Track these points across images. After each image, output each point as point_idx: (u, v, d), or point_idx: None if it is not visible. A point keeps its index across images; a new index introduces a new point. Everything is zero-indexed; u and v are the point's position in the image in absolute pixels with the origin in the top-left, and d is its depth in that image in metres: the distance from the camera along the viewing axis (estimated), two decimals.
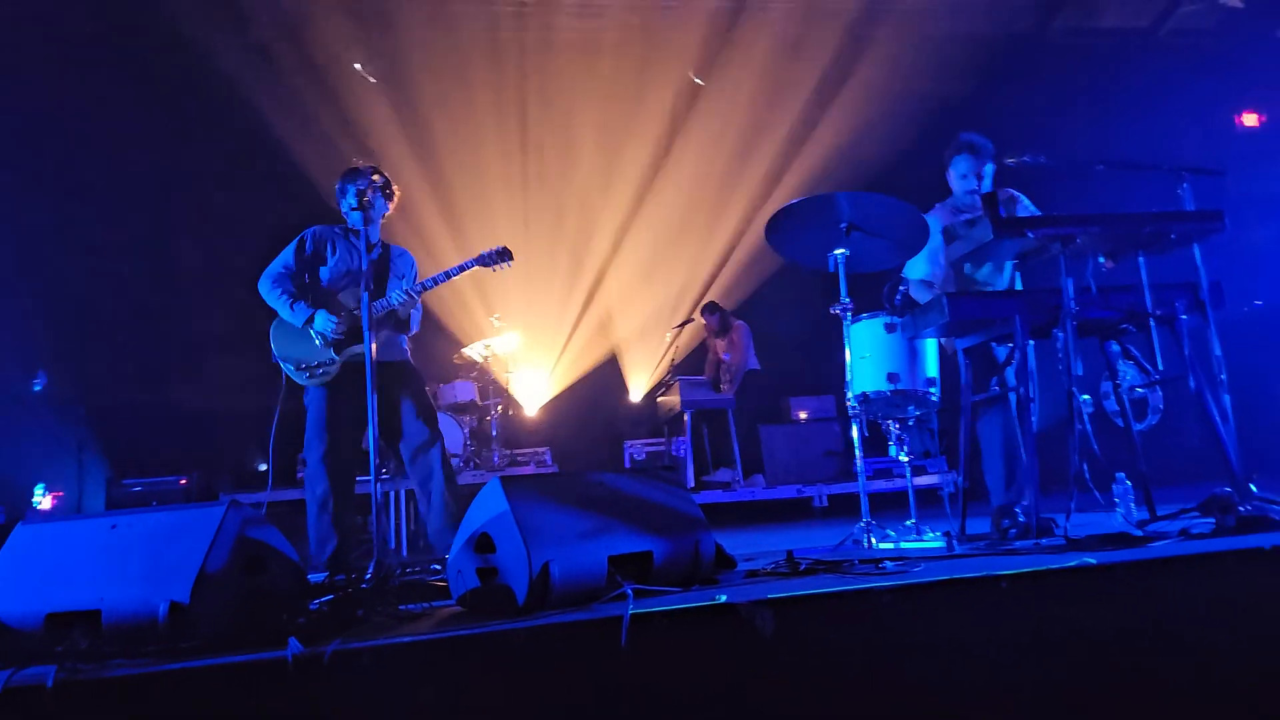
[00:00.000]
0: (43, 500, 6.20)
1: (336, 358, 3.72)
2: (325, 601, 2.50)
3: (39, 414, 6.61)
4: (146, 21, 6.68)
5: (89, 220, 6.93)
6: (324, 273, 3.87)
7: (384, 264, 3.95)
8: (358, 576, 2.70)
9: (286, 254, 3.89)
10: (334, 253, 3.88)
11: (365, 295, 3.22)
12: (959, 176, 3.87)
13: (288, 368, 3.79)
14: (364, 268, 3.55)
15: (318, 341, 3.75)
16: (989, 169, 3.84)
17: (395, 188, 3.94)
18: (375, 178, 3.76)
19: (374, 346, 3.56)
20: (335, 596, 2.52)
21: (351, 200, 3.80)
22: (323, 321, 3.71)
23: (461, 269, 3.83)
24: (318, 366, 3.74)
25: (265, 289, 3.83)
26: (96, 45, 6.77)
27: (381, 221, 3.90)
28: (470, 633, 2.01)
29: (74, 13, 6.58)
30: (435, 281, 3.80)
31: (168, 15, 6.60)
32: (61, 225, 6.82)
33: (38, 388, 6.68)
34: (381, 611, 2.39)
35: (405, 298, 3.73)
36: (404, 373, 3.88)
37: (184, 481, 6.06)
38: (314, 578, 2.84)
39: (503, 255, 3.87)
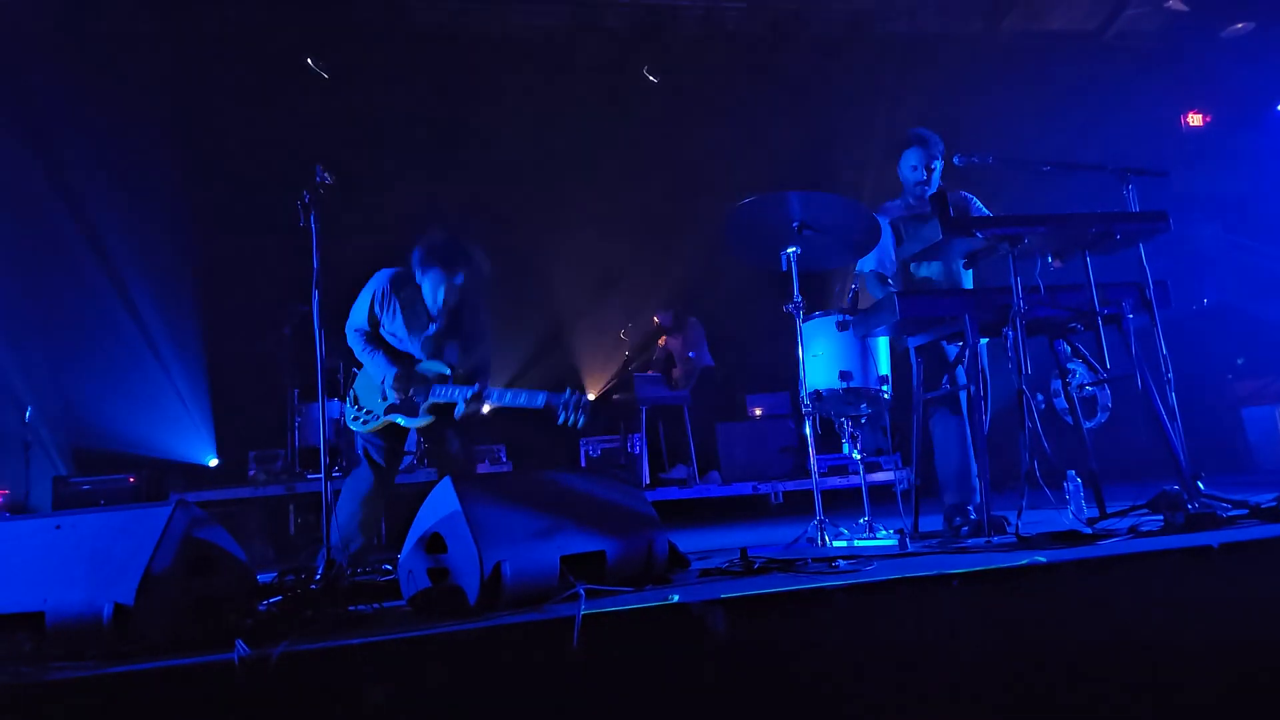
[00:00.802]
0: None
1: (383, 416, 3.68)
2: (274, 602, 2.48)
3: None
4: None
5: (36, 218, 6.74)
6: (394, 341, 3.75)
7: (451, 329, 3.76)
8: (307, 577, 2.67)
9: (361, 311, 3.75)
10: (394, 316, 3.72)
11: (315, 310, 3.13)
12: (909, 168, 3.89)
13: (350, 410, 3.77)
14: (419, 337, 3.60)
15: (381, 398, 3.70)
16: (938, 164, 3.89)
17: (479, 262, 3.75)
18: (460, 261, 3.63)
19: (416, 424, 3.61)
20: (284, 597, 2.49)
21: (441, 289, 3.64)
22: (392, 383, 3.65)
23: (528, 403, 3.54)
24: (369, 416, 3.71)
25: (354, 345, 3.77)
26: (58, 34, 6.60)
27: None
28: (420, 634, 2.00)
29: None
30: (498, 398, 3.61)
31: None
32: (5, 222, 6.63)
33: None
34: (331, 612, 2.36)
35: (463, 408, 3.59)
36: (451, 411, 3.75)
37: (133, 480, 5.92)
38: (263, 578, 2.80)
39: (580, 406, 3.47)
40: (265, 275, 6.73)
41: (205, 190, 6.99)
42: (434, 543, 2.36)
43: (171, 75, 6.79)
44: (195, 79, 6.87)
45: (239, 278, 7.06)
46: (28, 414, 6.25)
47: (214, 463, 7.46)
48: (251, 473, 6.25)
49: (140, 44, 6.67)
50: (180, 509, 2.25)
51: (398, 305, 3.73)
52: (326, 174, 3.32)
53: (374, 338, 3.77)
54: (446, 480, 2.38)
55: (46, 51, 6.60)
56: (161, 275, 7.04)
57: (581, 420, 3.47)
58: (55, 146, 6.71)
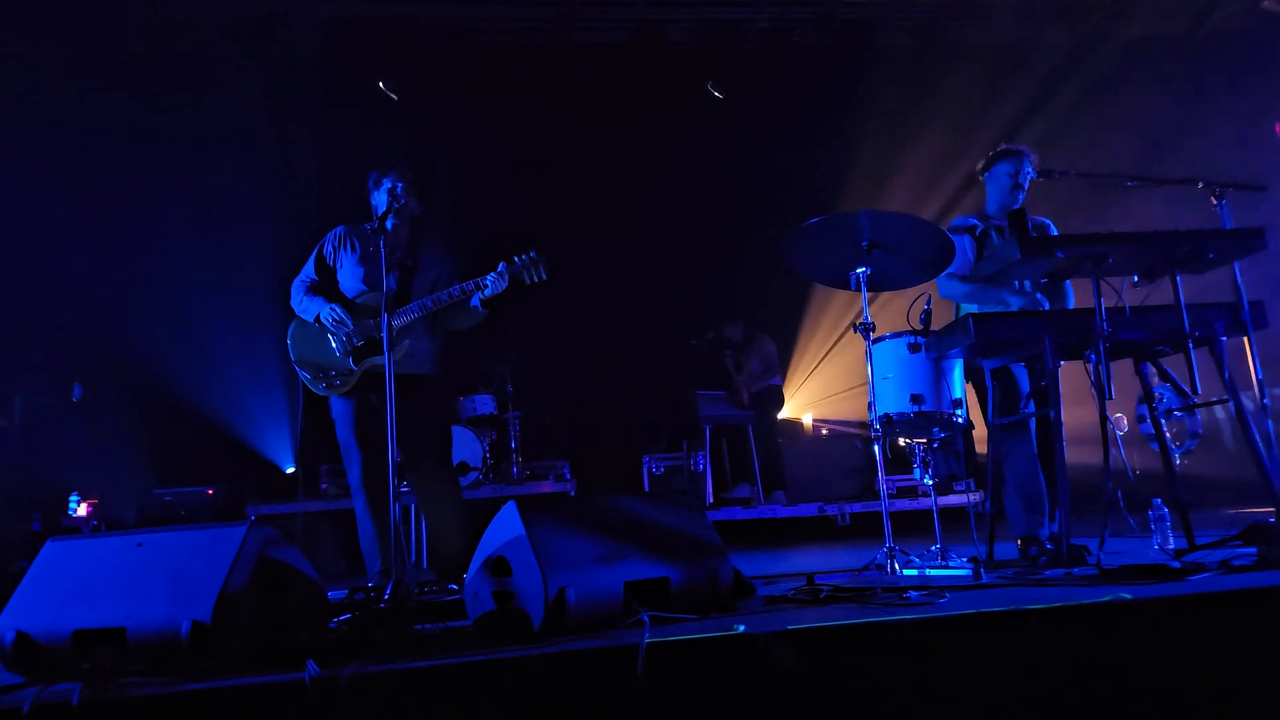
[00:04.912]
0: (77, 508, 6.31)
1: (355, 368, 3.58)
2: (343, 620, 2.52)
3: (76, 422, 6.75)
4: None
5: (116, 229, 7.05)
6: (342, 277, 3.74)
7: (406, 265, 3.75)
8: (376, 596, 2.70)
9: (308, 264, 3.81)
10: (353, 252, 3.73)
11: (384, 306, 3.09)
12: (1004, 177, 3.81)
13: (304, 375, 3.65)
14: (383, 272, 3.34)
15: (335, 346, 3.62)
16: (1028, 178, 3.77)
17: (426, 187, 3.83)
18: (407, 174, 3.68)
19: (395, 358, 3.46)
20: (353, 616, 2.53)
21: (383, 196, 3.66)
22: (328, 314, 3.59)
23: (488, 283, 3.56)
24: (335, 376, 3.60)
25: (293, 298, 3.78)
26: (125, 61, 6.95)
27: (410, 219, 3.75)
28: (487, 658, 2.00)
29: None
30: (451, 296, 3.61)
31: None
32: (91, 234, 6.95)
33: (75, 398, 6.82)
34: (398, 632, 2.39)
35: (418, 312, 3.60)
36: (423, 387, 3.70)
37: (211, 491, 6.13)
38: (333, 595, 2.86)
39: (536, 264, 3.55)
40: None
41: (292, 203, 7.25)
42: (499, 566, 2.37)
43: (253, 98, 7.07)
44: (276, 102, 7.14)
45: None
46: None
47: (291, 471, 7.67)
48: (324, 486, 6.41)
49: (221, 68, 7.00)
50: (254, 529, 2.31)
51: (357, 247, 3.71)
52: (411, 173, 3.41)
53: (316, 287, 3.72)
54: (511, 504, 2.39)
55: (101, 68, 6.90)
56: (233, 285, 7.26)
57: (544, 274, 3.56)
58: (132, 158, 7.00)
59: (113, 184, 6.98)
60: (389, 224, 3.59)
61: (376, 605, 2.61)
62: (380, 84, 7.20)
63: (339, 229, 3.85)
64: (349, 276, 3.75)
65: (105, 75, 6.90)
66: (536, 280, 3.61)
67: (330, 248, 3.81)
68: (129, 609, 2.18)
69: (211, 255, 7.21)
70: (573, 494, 6.41)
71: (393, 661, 1.98)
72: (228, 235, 7.18)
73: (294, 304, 3.77)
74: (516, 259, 3.59)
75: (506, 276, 3.57)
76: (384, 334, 3.02)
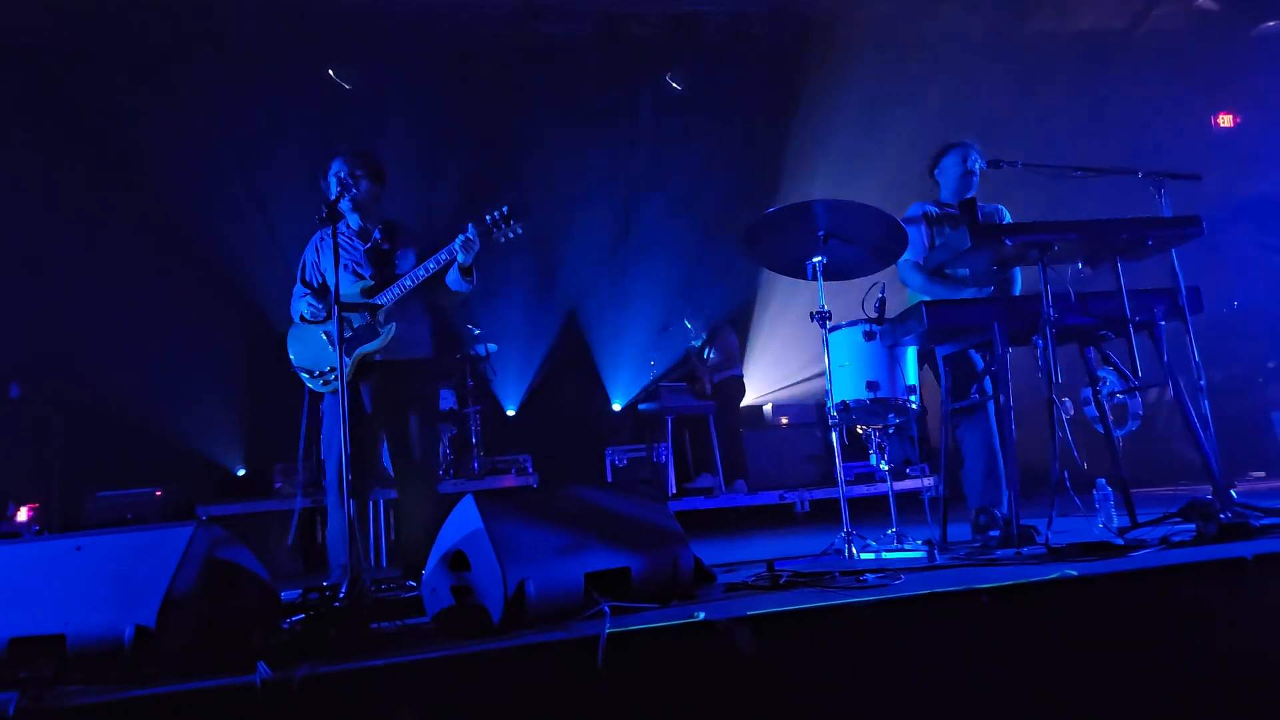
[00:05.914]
0: (16, 512, 6.10)
1: (348, 359, 3.46)
2: (297, 621, 2.46)
3: (13, 424, 6.52)
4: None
5: (58, 228, 6.82)
6: (329, 279, 3.64)
7: (382, 250, 3.66)
8: (331, 595, 2.65)
9: (298, 280, 3.77)
10: (326, 254, 3.66)
11: (332, 288, 3.02)
12: (952, 166, 3.89)
13: (304, 377, 3.60)
14: (334, 263, 3.10)
15: (327, 342, 3.55)
16: (978, 167, 3.84)
17: (380, 166, 3.71)
18: (353, 158, 3.59)
19: (382, 344, 3.45)
20: (307, 615, 2.48)
21: (333, 188, 3.56)
22: (305, 306, 3.54)
23: (458, 247, 3.45)
24: (330, 370, 3.52)
25: (293, 306, 3.74)
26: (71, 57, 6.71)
27: (371, 202, 3.66)
28: (444, 654, 1.97)
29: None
30: (426, 271, 3.49)
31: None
32: (32, 232, 6.72)
33: (13, 396, 6.58)
34: (354, 631, 2.34)
35: (399, 293, 3.52)
36: (416, 371, 3.63)
37: (159, 493, 5.96)
38: (287, 595, 2.80)
39: (509, 217, 3.43)
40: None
41: (239, 200, 7.07)
42: (457, 560, 2.34)
43: (196, 86, 6.89)
44: (221, 90, 6.96)
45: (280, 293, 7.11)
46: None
47: (242, 473, 7.52)
48: (277, 485, 6.28)
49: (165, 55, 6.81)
50: (201, 529, 2.24)
51: (325, 238, 3.64)
52: (354, 155, 3.33)
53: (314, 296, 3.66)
54: (469, 497, 2.36)
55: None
56: (183, 284, 7.07)
57: (519, 230, 3.46)
58: (74, 164, 6.78)
59: (55, 182, 6.75)
60: (345, 208, 3.55)
61: (331, 604, 2.55)
62: (330, 72, 7.04)
63: (315, 237, 3.78)
64: (329, 276, 3.65)
65: (41, 63, 6.65)
66: (511, 237, 3.50)
67: (311, 259, 3.76)
68: (68, 615, 2.10)
69: (156, 252, 7.01)
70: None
71: (346, 661, 1.94)
72: (173, 233, 6.99)
73: (291, 313, 3.75)
74: (488, 216, 3.48)
75: (478, 237, 3.47)
76: (335, 325, 2.93)
